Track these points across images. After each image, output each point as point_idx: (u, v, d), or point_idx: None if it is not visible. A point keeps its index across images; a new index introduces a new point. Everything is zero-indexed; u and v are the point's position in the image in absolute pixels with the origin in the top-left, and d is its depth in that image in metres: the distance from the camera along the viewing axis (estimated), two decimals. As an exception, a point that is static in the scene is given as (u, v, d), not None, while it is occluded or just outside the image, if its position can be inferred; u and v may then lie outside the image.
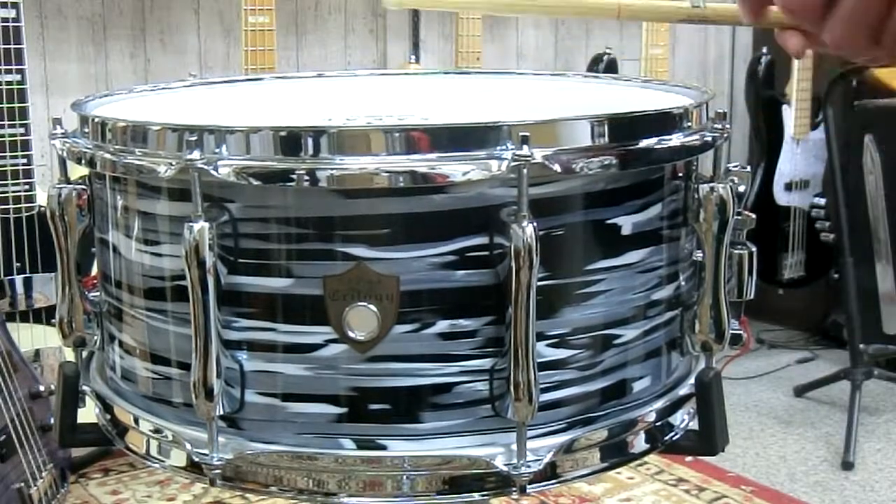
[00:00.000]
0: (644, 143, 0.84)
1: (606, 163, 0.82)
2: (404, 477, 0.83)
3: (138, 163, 0.84)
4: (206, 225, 0.80)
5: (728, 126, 0.91)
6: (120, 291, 0.92)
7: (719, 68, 3.56)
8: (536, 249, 0.78)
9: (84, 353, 1.00)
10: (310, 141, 0.79)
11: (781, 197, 3.09)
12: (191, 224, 0.80)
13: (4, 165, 2.06)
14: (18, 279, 2.12)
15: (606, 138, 0.82)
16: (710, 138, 0.89)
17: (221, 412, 0.84)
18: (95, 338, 0.97)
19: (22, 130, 2.07)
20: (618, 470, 2.29)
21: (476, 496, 0.84)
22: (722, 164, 0.91)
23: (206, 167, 0.79)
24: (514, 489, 0.83)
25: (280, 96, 1.21)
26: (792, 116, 2.96)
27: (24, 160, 2.07)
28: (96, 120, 0.90)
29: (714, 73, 3.53)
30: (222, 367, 0.83)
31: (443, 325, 0.81)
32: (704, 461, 2.41)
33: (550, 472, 0.84)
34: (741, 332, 0.95)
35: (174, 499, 2.22)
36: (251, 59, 2.21)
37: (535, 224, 0.78)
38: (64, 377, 0.97)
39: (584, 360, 0.86)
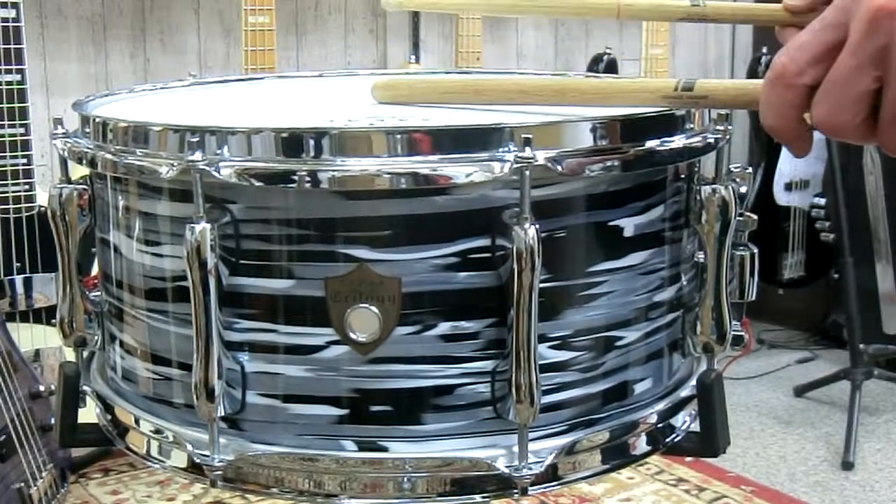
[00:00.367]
0: (646, 145, 0.84)
1: (609, 165, 0.82)
2: (405, 479, 0.83)
3: (139, 163, 0.84)
4: (208, 226, 0.80)
5: (730, 127, 0.91)
6: (121, 292, 0.92)
7: (719, 68, 3.56)
8: (538, 251, 0.77)
9: (85, 354, 0.99)
10: (311, 142, 0.78)
11: (781, 197, 3.09)
12: (192, 225, 0.80)
13: (4, 165, 2.06)
14: (18, 279, 2.12)
15: (609, 140, 0.82)
16: (712, 140, 0.89)
17: (222, 413, 0.84)
18: (96, 338, 0.97)
19: (22, 130, 2.07)
20: (618, 470, 2.29)
21: (477, 498, 0.84)
22: (724, 165, 0.91)
23: (207, 168, 0.79)
24: (516, 491, 0.83)
25: (280, 96, 1.21)
26: (792, 117, 2.95)
27: (24, 160, 2.07)
28: (97, 120, 0.90)
29: (714, 74, 3.53)
30: (223, 368, 0.83)
31: (444, 327, 0.81)
32: (704, 461, 2.41)
33: (552, 474, 0.84)
34: (743, 333, 0.94)
35: (174, 499, 2.22)
36: (251, 59, 2.21)
37: (537, 226, 0.78)
38: (64, 377, 0.97)
39: (585, 362, 0.86)
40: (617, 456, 0.88)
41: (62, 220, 0.93)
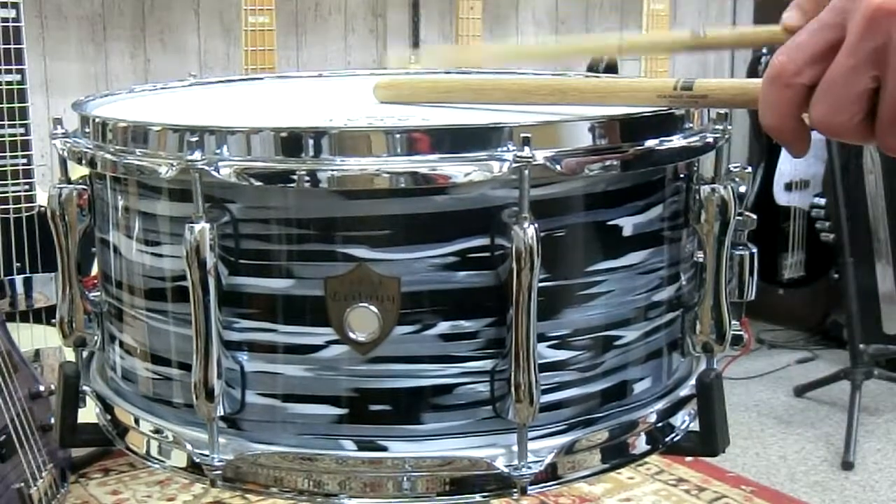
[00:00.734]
0: (645, 145, 0.84)
1: (608, 164, 0.82)
2: (405, 478, 0.83)
3: (139, 163, 0.84)
4: (207, 226, 0.80)
5: (729, 127, 0.91)
6: (120, 292, 0.92)
7: (719, 68, 3.56)
8: (538, 251, 0.77)
9: (84, 354, 0.99)
10: (311, 142, 0.78)
11: (781, 197, 3.09)
12: (192, 225, 0.80)
13: (4, 165, 2.06)
14: (18, 279, 2.12)
15: (608, 139, 0.82)
16: (711, 139, 0.89)
17: (222, 413, 0.84)
18: (96, 338, 0.97)
19: (22, 130, 2.07)
20: (618, 470, 2.29)
21: (477, 497, 0.84)
22: (723, 165, 0.91)
23: (207, 168, 0.79)
24: (515, 490, 0.83)
25: (280, 96, 1.21)
26: (792, 116, 2.96)
27: (24, 160, 2.07)
28: (97, 120, 0.90)
29: (714, 74, 3.53)
30: (223, 367, 0.83)
31: (444, 327, 0.81)
32: (704, 461, 2.41)
33: (551, 474, 0.84)
34: (742, 332, 0.94)
35: (174, 499, 2.22)
36: (251, 59, 2.21)
37: (536, 225, 0.78)
38: (64, 377, 0.97)
39: (584, 362, 0.86)
40: (616, 455, 0.88)
41: (62, 220, 0.93)
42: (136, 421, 0.92)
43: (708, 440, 0.91)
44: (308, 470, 0.83)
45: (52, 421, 1.01)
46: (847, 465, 2.42)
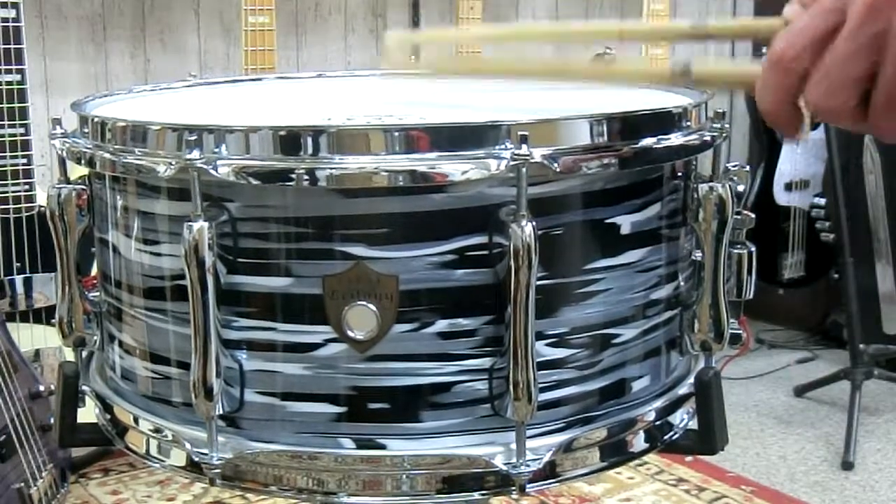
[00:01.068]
0: (643, 143, 0.84)
1: (606, 162, 0.82)
2: (404, 476, 0.83)
3: (138, 162, 0.84)
4: (206, 224, 0.80)
5: (727, 125, 0.91)
6: (119, 291, 0.92)
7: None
8: (535, 249, 0.78)
9: (84, 353, 1.00)
10: (309, 140, 0.79)
11: (781, 197, 3.09)
12: (190, 223, 0.80)
13: (4, 165, 2.06)
14: (18, 279, 2.12)
15: (606, 137, 0.82)
16: (708, 138, 0.89)
17: (221, 412, 0.84)
18: (95, 338, 0.97)
19: (22, 130, 2.07)
20: (618, 470, 2.29)
21: (475, 495, 0.84)
22: (721, 163, 0.91)
23: (205, 167, 0.79)
24: (514, 488, 0.83)
25: (280, 96, 1.21)
26: (792, 116, 2.96)
27: (24, 160, 2.07)
28: (96, 120, 0.90)
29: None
30: (222, 366, 0.83)
31: (442, 325, 0.82)
32: (704, 461, 2.41)
33: (550, 472, 0.84)
34: (740, 331, 0.95)
35: (174, 499, 2.22)
36: (251, 59, 2.21)
37: (534, 223, 0.78)
38: (64, 377, 0.97)
39: (583, 360, 0.86)
40: (615, 453, 0.88)
41: (61, 220, 0.94)
42: (136, 420, 0.92)
43: (706, 438, 0.91)
44: (307, 468, 0.84)
45: (52, 421, 1.01)
46: (847, 465, 2.42)
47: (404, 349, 0.82)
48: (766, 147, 3.07)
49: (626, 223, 0.86)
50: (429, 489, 0.83)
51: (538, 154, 0.78)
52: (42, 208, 2.09)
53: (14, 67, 2.03)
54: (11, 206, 2.08)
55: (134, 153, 0.85)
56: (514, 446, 0.82)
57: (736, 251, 0.94)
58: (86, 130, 0.92)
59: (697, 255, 0.93)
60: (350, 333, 0.81)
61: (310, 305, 0.82)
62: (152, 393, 0.91)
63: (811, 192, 3.08)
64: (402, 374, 0.82)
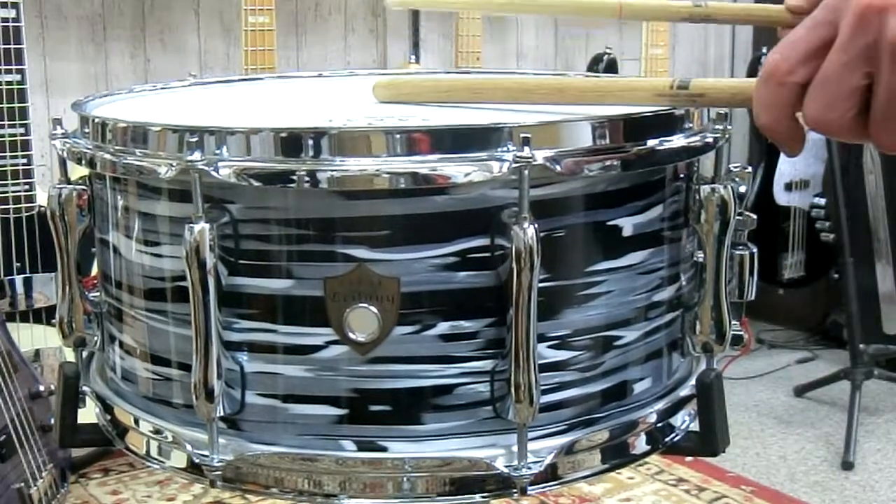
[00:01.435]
0: (645, 145, 0.84)
1: (608, 164, 0.82)
2: (405, 478, 0.83)
3: (139, 163, 0.84)
4: (207, 226, 0.80)
5: (729, 127, 0.91)
6: (120, 292, 0.92)
7: (719, 68, 3.56)
8: (537, 251, 0.77)
9: (84, 354, 0.99)
10: (310, 142, 0.78)
11: (781, 197, 3.09)
12: (191, 225, 0.80)
13: (4, 165, 2.06)
14: (18, 279, 2.12)
15: (608, 139, 0.82)
16: (711, 139, 0.89)
17: (222, 413, 0.84)
18: (95, 338, 0.97)
19: (22, 130, 2.07)
20: (618, 470, 2.29)
21: (477, 497, 0.84)
22: (723, 164, 0.91)
23: (206, 168, 0.79)
24: (515, 490, 0.83)
25: (280, 96, 1.21)
26: (792, 116, 2.95)
27: (24, 160, 2.07)
28: (96, 120, 0.90)
29: (714, 73, 3.53)
30: (223, 368, 0.83)
31: (444, 327, 0.81)
32: (704, 461, 2.41)
33: (551, 474, 0.84)
34: (742, 332, 0.94)
35: (174, 499, 2.22)
36: (251, 59, 2.21)
37: (536, 225, 0.78)
38: (64, 377, 0.97)
39: (584, 362, 0.86)
40: (616, 455, 0.88)
41: (61, 220, 0.93)
42: (136, 421, 0.92)
43: (708, 440, 0.91)
44: (308, 470, 0.83)
45: (52, 421, 1.01)
46: (847, 465, 2.42)
47: (406, 351, 0.82)
48: (765, 147, 3.07)
49: (628, 225, 0.86)
50: (430, 491, 0.83)
51: (540, 156, 0.78)
52: (42, 208, 2.09)
53: (14, 67, 2.03)
54: (11, 206, 2.08)
55: (135, 154, 0.85)
56: (515, 448, 0.82)
57: (738, 252, 0.93)
58: (86, 131, 0.92)
59: (699, 256, 0.92)
60: (351, 335, 0.81)
61: (311, 307, 0.82)
62: (153, 394, 0.91)
63: (811, 192, 3.08)
64: (404, 377, 0.82)
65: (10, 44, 2.02)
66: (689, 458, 2.40)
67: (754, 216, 0.94)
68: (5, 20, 2.01)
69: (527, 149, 0.77)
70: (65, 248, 0.94)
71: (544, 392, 0.81)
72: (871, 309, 2.80)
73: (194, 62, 2.70)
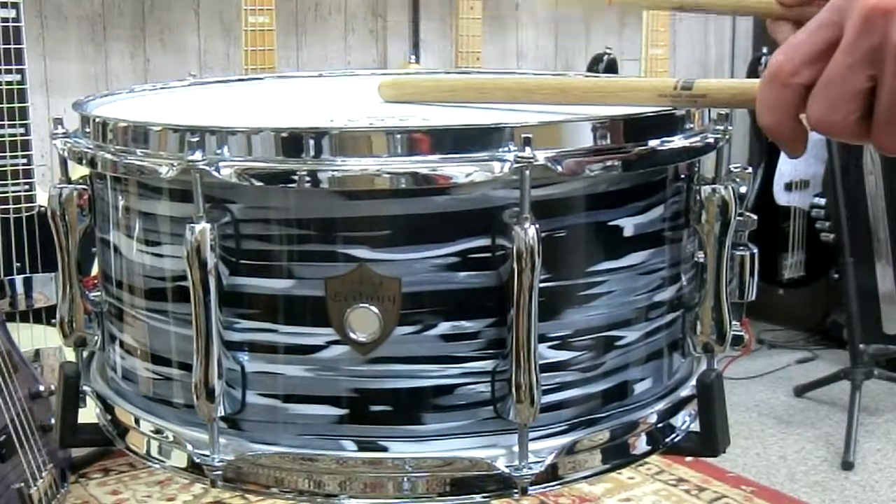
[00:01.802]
0: (647, 145, 0.84)
1: (609, 164, 0.82)
2: (405, 478, 0.83)
3: (139, 163, 0.84)
4: (208, 226, 0.80)
5: (730, 127, 0.91)
6: (121, 292, 0.92)
7: (719, 68, 3.56)
8: (538, 251, 0.77)
9: (84, 354, 0.99)
10: (311, 142, 0.78)
11: (781, 197, 3.09)
12: (192, 225, 0.80)
13: (4, 165, 2.06)
14: (18, 279, 2.12)
15: (609, 140, 0.82)
16: (711, 140, 0.89)
17: (222, 413, 0.83)
18: (96, 338, 0.97)
19: (22, 130, 2.07)
20: (618, 470, 2.29)
21: (477, 498, 0.84)
22: (724, 165, 0.91)
23: (207, 168, 0.79)
24: (516, 491, 0.83)
25: (280, 96, 1.21)
26: (792, 116, 2.96)
27: (24, 160, 2.07)
28: (97, 120, 0.90)
29: (714, 73, 3.53)
30: (224, 368, 0.83)
31: (445, 327, 0.81)
32: (704, 461, 2.41)
33: (552, 474, 0.84)
34: (742, 333, 0.94)
35: (174, 499, 2.22)
36: (251, 59, 2.21)
37: (537, 226, 0.78)
38: (64, 377, 0.97)
39: (585, 362, 0.86)
40: (617, 456, 0.88)
41: (62, 220, 0.93)
42: (137, 421, 0.92)
43: (708, 440, 0.91)
44: (308, 470, 0.83)
45: (52, 421, 1.01)
46: (847, 465, 2.42)
47: (406, 351, 0.82)
48: (766, 147, 3.07)
49: (629, 225, 0.86)
50: (431, 491, 0.83)
51: (541, 156, 0.78)
52: (42, 208, 2.09)
53: (14, 67, 2.03)
54: (11, 206, 2.08)
55: (136, 154, 0.85)
56: (516, 449, 0.82)
57: (738, 253, 0.93)
58: (87, 130, 0.92)
59: (700, 256, 0.92)
60: (352, 335, 0.81)
61: (312, 307, 0.82)
62: (153, 394, 0.91)
63: (811, 192, 3.08)
64: (405, 377, 0.82)
65: (10, 44, 2.02)
66: (689, 459, 2.40)
67: (755, 217, 0.94)
68: (5, 20, 2.01)
69: (528, 149, 0.77)
70: (65, 247, 0.94)
71: (545, 392, 0.81)
72: (871, 309, 2.80)
73: (194, 62, 2.70)
